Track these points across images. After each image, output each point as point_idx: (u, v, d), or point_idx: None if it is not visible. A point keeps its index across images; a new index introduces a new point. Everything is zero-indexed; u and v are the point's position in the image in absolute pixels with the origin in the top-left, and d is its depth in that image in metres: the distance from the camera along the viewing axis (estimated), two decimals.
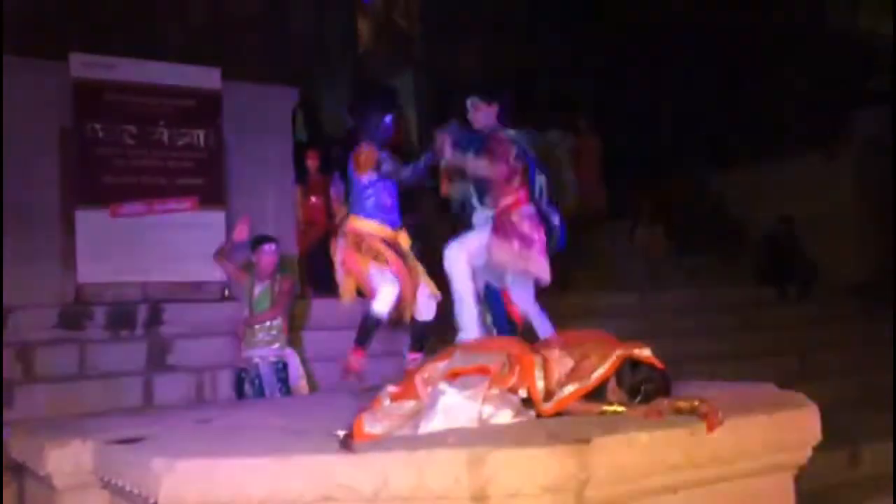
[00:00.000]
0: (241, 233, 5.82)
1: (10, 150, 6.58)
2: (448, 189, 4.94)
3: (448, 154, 4.57)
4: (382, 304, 4.72)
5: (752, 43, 12.25)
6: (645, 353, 3.39)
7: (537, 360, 3.38)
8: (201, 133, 7.49)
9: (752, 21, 12.15)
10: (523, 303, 4.81)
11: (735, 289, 9.70)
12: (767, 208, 10.61)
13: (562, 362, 3.38)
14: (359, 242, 4.75)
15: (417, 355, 5.12)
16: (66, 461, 3.43)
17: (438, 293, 4.88)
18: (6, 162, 6.55)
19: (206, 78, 7.58)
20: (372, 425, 3.09)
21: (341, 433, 3.00)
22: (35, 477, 3.68)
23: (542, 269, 4.58)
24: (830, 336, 8.46)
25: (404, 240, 4.95)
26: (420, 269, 4.92)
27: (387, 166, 4.76)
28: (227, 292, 7.15)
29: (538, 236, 4.58)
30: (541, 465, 2.71)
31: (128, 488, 3.14)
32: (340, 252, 4.88)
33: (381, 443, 2.97)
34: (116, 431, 3.55)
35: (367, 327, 4.79)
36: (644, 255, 10.58)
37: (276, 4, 11.37)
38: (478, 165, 4.56)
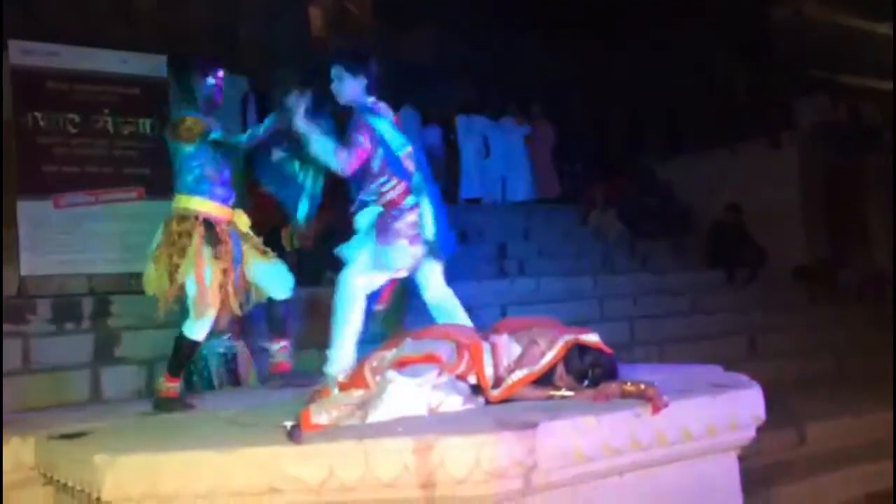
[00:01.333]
0: None
1: None
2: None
3: (300, 120, 3.95)
4: (198, 329, 4.10)
5: (699, 32, 12.40)
6: (592, 338, 3.42)
7: (486, 346, 3.39)
8: (147, 122, 7.35)
9: (698, 10, 12.29)
10: (440, 291, 4.29)
11: (685, 273, 9.84)
12: (716, 195, 10.78)
13: (510, 349, 3.40)
14: (174, 233, 4.12)
15: (285, 342, 4.65)
16: (7, 458, 3.36)
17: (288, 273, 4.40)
18: None
19: (151, 66, 7.44)
20: (319, 415, 3.07)
21: (289, 424, 2.98)
22: None
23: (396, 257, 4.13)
24: (777, 319, 8.63)
25: (243, 222, 4.39)
26: (261, 248, 4.40)
27: (216, 134, 4.15)
28: None
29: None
30: (488, 451, 2.72)
31: (71, 484, 3.09)
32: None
33: (329, 433, 2.96)
34: (59, 427, 3.48)
35: (182, 352, 4.14)
36: (597, 239, 10.69)
37: None
38: (326, 150, 3.99)
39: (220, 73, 4.32)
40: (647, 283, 9.22)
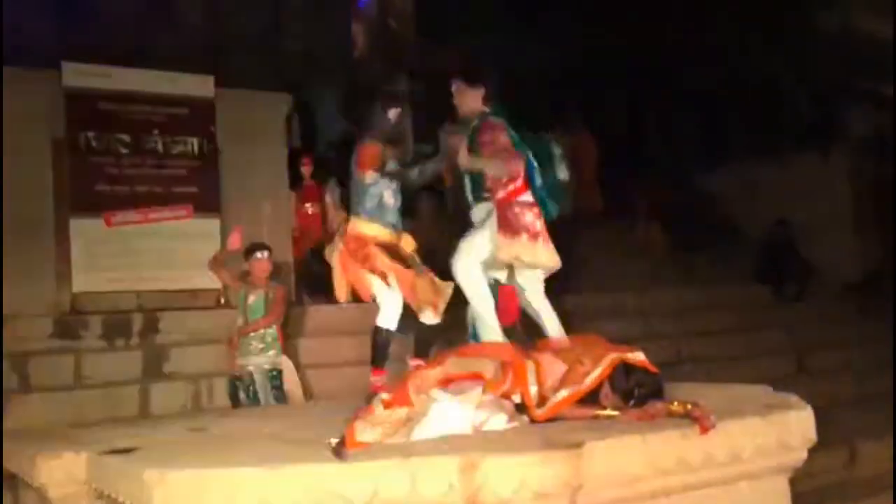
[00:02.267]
0: (234, 241, 5.81)
1: (4, 160, 6.57)
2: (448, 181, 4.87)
3: (465, 160, 4.30)
4: (386, 319, 4.64)
5: (746, 42, 12.26)
6: (638, 356, 3.39)
7: (530, 365, 3.37)
8: (195, 141, 7.49)
9: (745, 19, 12.16)
10: (535, 299, 4.54)
11: (732, 289, 9.69)
12: (764, 208, 10.61)
13: (554, 367, 3.38)
14: (356, 250, 4.64)
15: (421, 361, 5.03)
16: (60, 472, 3.42)
17: (447, 296, 4.72)
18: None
19: (199, 86, 7.59)
20: (364, 433, 3.08)
21: (334, 441, 2.99)
22: (29, 488, 3.67)
23: (551, 257, 4.40)
24: (827, 336, 8.45)
25: (408, 244, 4.84)
26: (429, 274, 4.77)
27: (391, 165, 4.63)
28: (222, 300, 7.14)
29: (541, 223, 4.35)
30: (534, 470, 2.71)
31: (121, 499, 3.13)
32: (338, 257, 4.78)
33: (374, 450, 2.97)
34: (110, 442, 3.54)
35: (378, 344, 4.69)
36: (642, 253, 10.57)
37: (270, 11, 11.37)
38: (497, 167, 4.25)
39: (399, 109, 4.83)
40: (693, 299, 9.09)
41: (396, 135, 4.90)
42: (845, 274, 9.93)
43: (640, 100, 13.35)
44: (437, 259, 4.79)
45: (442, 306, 4.75)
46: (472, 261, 4.27)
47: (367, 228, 4.64)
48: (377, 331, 4.69)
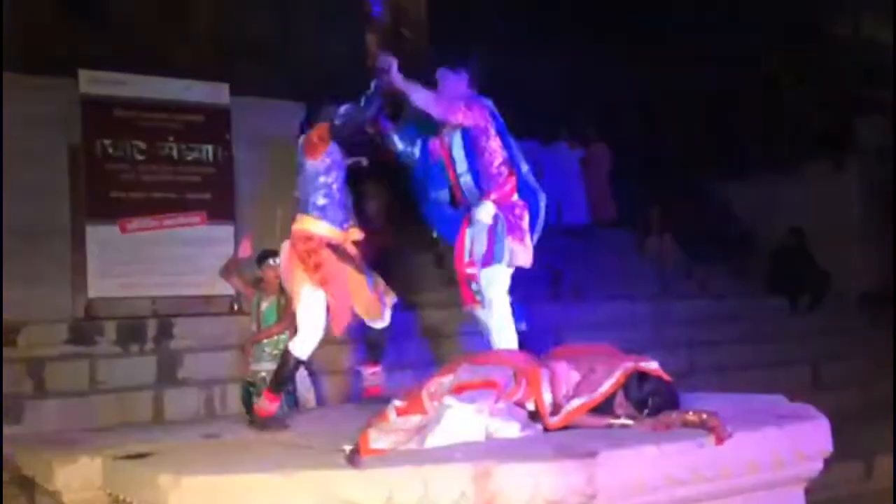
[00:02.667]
0: (245, 249, 5.82)
1: (21, 166, 6.62)
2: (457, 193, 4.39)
3: (395, 77, 4.14)
4: (304, 348, 4.07)
5: (757, 52, 12.24)
6: (652, 365, 3.38)
7: (544, 373, 3.37)
8: (210, 148, 7.52)
9: (756, 29, 12.14)
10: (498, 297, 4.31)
11: (746, 299, 9.65)
12: (777, 218, 10.57)
13: (568, 375, 3.37)
14: (306, 253, 4.07)
15: (376, 368, 4.85)
16: (75, 477, 3.45)
17: (395, 297, 4.40)
18: (17, 179, 6.58)
19: (214, 94, 7.63)
20: (378, 440, 3.09)
21: (347, 448, 3.00)
22: (45, 492, 3.69)
23: (529, 256, 4.26)
24: (842, 346, 8.40)
25: (354, 235, 4.33)
26: (368, 273, 4.31)
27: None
28: (235, 306, 7.16)
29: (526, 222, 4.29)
30: (547, 479, 2.71)
31: None
32: (285, 260, 4.26)
33: (387, 457, 2.97)
34: (125, 447, 3.56)
35: (286, 371, 4.15)
36: (654, 263, 10.55)
37: (283, 21, 11.43)
38: (425, 98, 4.13)
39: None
40: (706, 309, 9.06)
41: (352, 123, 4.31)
42: (860, 284, 9.87)
43: (654, 110, 13.34)
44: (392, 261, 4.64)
45: (389, 311, 4.41)
46: (505, 287, 4.24)
47: (318, 227, 4.13)
48: (287, 356, 4.14)
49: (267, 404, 4.11)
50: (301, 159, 4.27)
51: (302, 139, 4.28)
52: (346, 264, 4.12)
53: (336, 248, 4.14)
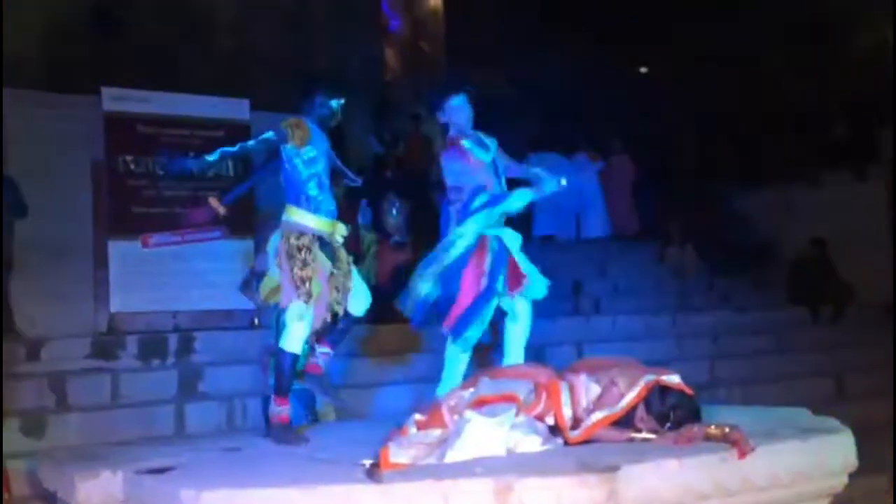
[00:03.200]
0: (262, 263, 5.85)
1: (44, 182, 6.71)
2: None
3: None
4: (293, 342, 4.03)
5: (781, 61, 12.18)
6: (674, 378, 3.36)
7: (564, 386, 3.36)
8: (230, 163, 7.57)
9: (780, 39, 12.10)
10: None
11: (768, 310, 9.56)
12: (799, 229, 10.48)
13: (589, 389, 3.36)
14: (297, 249, 4.05)
15: (328, 350, 4.55)
16: (97, 492, 3.45)
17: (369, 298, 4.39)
18: (40, 196, 6.66)
19: (235, 109, 7.71)
20: (398, 454, 3.08)
21: (368, 462, 3.00)
22: None
23: None
24: (866, 358, 8.29)
25: (339, 232, 4.29)
26: (351, 269, 4.31)
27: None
28: (256, 320, 7.20)
29: None
30: (569, 493, 2.69)
31: None
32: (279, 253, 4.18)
33: (408, 472, 2.96)
34: (146, 461, 3.57)
35: (283, 370, 4.08)
36: (675, 275, 10.49)
37: (302, 35, 11.52)
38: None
39: (341, 103, 4.36)
40: (728, 321, 8.99)
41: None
42: (883, 295, 9.75)
43: (675, 120, 13.30)
44: None
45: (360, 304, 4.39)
46: None
47: (308, 219, 4.10)
48: (279, 356, 4.08)
49: (277, 409, 4.09)
50: (285, 149, 4.16)
51: (283, 126, 4.16)
52: (328, 259, 4.12)
53: (323, 242, 4.13)
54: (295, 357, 4.13)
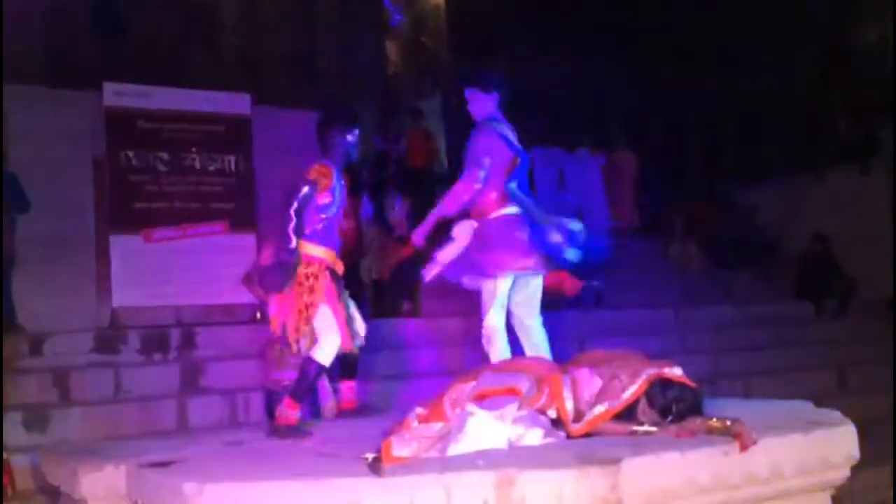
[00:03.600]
0: (266, 257, 5.86)
1: (46, 178, 6.71)
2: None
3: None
4: (325, 353, 4.18)
5: (783, 56, 12.15)
6: (676, 371, 3.35)
7: (566, 380, 3.35)
8: (232, 158, 7.59)
9: (781, 33, 12.06)
10: None
11: (771, 305, 9.56)
12: (802, 223, 10.48)
13: (591, 382, 3.35)
14: (307, 277, 4.21)
15: (351, 383, 5.07)
16: (100, 485, 3.46)
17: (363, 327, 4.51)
18: (42, 191, 6.67)
19: (236, 104, 7.71)
20: (400, 448, 3.08)
21: (370, 456, 3.00)
22: (70, 500, 3.72)
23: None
24: (868, 352, 8.29)
25: (339, 266, 4.45)
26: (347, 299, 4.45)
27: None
28: (258, 315, 7.19)
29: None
30: (571, 486, 2.69)
31: None
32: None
33: (410, 465, 2.96)
34: (149, 455, 3.58)
35: (309, 379, 4.23)
36: (678, 269, 10.48)
37: (304, 30, 11.51)
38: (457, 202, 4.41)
39: (357, 132, 4.51)
40: (730, 315, 8.99)
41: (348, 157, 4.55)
42: (886, 289, 9.74)
43: (679, 115, 13.27)
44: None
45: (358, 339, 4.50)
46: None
47: (318, 251, 4.28)
48: (310, 364, 4.21)
49: (288, 412, 4.15)
50: (303, 188, 4.24)
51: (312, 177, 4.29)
52: (335, 288, 4.29)
53: (332, 272, 4.30)
54: (321, 368, 4.27)
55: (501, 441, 3.15)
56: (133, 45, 9.48)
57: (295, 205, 4.17)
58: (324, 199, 4.24)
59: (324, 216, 4.26)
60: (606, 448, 2.97)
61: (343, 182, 4.41)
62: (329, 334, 4.19)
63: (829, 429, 3.30)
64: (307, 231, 4.23)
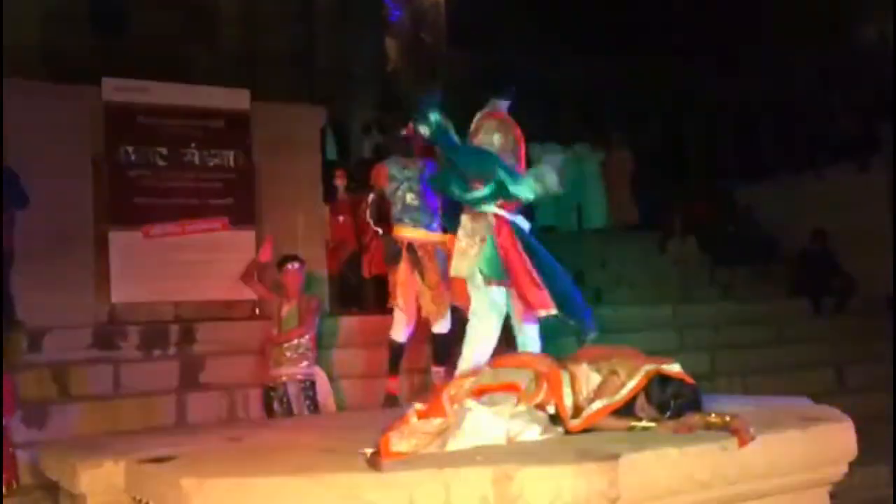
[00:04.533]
0: (266, 253, 5.87)
1: (44, 173, 6.70)
2: None
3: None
4: (396, 332, 5.26)
5: (782, 54, 12.15)
6: (674, 367, 3.35)
7: (565, 375, 3.35)
8: (231, 154, 7.57)
9: (781, 32, 12.06)
10: None
11: (769, 302, 9.57)
12: (801, 220, 10.47)
13: (589, 378, 3.35)
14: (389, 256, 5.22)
15: (440, 368, 5.26)
16: (99, 481, 3.46)
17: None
18: (41, 186, 6.65)
19: (235, 99, 7.69)
20: (399, 443, 3.08)
21: (368, 451, 3.00)
22: (69, 496, 3.72)
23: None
24: (867, 349, 8.30)
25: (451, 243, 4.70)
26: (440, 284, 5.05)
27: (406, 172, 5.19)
28: (257, 311, 7.20)
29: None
30: (569, 482, 2.69)
31: None
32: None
33: (408, 461, 2.97)
34: (148, 450, 3.58)
35: (391, 353, 5.31)
36: (676, 266, 10.49)
37: (304, 25, 11.50)
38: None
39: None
40: (729, 312, 9.00)
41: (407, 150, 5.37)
42: (885, 287, 9.75)
43: (678, 113, 13.27)
44: None
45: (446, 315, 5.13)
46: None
47: (400, 230, 5.17)
48: (389, 342, 5.31)
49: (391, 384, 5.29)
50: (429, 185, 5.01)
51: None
52: (412, 274, 5.06)
53: (422, 248, 5.06)
54: (398, 344, 5.30)
55: (500, 437, 3.16)
56: (133, 41, 9.48)
57: None
58: None
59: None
60: (605, 444, 2.98)
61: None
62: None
63: (827, 425, 3.31)
64: None
